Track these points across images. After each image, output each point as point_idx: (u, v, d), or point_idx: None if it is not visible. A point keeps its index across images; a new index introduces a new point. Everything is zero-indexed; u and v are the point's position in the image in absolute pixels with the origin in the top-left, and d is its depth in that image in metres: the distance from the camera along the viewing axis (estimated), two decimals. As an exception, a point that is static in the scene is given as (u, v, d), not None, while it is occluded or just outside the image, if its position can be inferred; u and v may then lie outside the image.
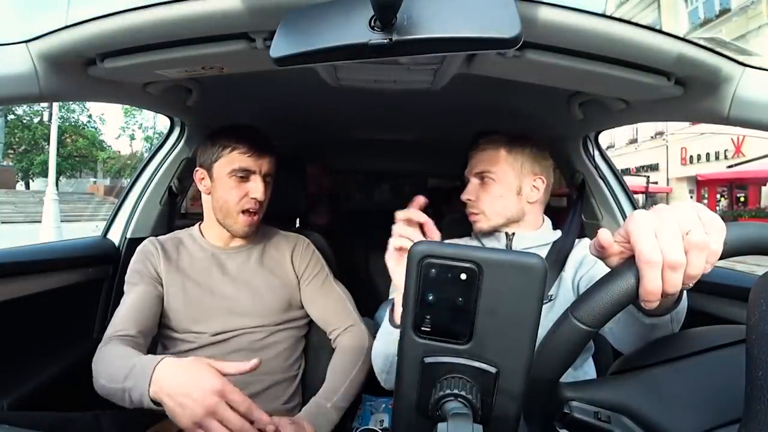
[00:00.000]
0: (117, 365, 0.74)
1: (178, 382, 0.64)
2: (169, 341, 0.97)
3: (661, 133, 19.01)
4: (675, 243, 0.36)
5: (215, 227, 1.01)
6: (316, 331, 1.08)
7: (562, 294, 0.88)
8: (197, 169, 1.00)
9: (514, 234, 0.95)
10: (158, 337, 1.00)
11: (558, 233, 0.98)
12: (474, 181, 0.97)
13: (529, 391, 0.35)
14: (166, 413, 0.65)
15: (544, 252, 0.94)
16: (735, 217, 14.73)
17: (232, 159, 0.95)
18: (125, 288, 0.95)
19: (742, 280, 0.94)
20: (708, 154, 16.63)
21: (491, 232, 0.97)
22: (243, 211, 0.96)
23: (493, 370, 0.34)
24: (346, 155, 2.14)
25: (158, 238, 1.03)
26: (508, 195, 0.94)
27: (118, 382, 0.71)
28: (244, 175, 0.95)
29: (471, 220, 0.98)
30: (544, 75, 0.77)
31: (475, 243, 1.03)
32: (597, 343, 0.99)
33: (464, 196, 0.97)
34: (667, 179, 18.78)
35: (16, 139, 23.44)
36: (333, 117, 1.42)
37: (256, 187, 0.96)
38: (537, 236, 0.95)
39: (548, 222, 1.00)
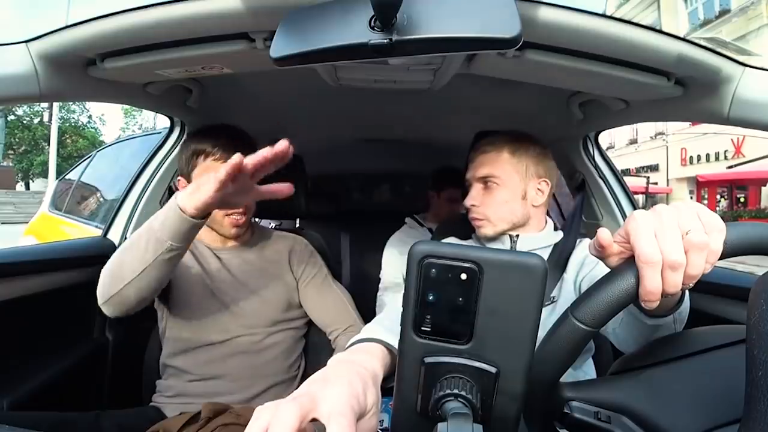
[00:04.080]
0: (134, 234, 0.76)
1: (193, 186, 0.68)
2: (169, 342, 0.97)
3: (661, 134, 19.00)
4: (675, 243, 0.36)
5: (208, 229, 0.99)
6: (316, 331, 1.08)
7: (564, 296, 0.88)
8: (179, 178, 0.98)
9: (518, 236, 0.93)
10: (159, 338, 1.00)
11: (560, 234, 0.96)
12: (477, 186, 0.93)
13: (529, 391, 0.35)
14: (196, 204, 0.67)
15: (545, 254, 0.92)
16: (735, 218, 14.72)
17: (207, 167, 0.90)
18: None
19: (742, 280, 0.94)
20: (708, 155, 16.62)
21: (495, 237, 0.95)
22: (227, 215, 0.94)
23: (493, 370, 0.34)
24: (347, 155, 2.14)
25: None
26: (514, 200, 0.91)
27: (140, 235, 0.74)
28: None
29: (475, 225, 0.94)
30: (544, 75, 0.77)
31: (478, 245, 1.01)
32: (597, 343, 0.98)
33: (468, 202, 0.92)
34: (667, 180, 18.77)
35: (16, 140, 23.45)
36: (333, 117, 1.42)
37: None
38: (540, 238, 0.94)
39: (551, 223, 0.99)
